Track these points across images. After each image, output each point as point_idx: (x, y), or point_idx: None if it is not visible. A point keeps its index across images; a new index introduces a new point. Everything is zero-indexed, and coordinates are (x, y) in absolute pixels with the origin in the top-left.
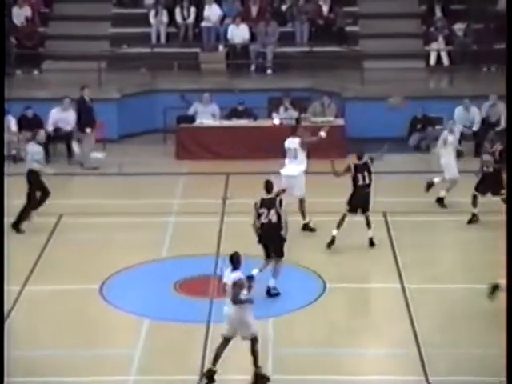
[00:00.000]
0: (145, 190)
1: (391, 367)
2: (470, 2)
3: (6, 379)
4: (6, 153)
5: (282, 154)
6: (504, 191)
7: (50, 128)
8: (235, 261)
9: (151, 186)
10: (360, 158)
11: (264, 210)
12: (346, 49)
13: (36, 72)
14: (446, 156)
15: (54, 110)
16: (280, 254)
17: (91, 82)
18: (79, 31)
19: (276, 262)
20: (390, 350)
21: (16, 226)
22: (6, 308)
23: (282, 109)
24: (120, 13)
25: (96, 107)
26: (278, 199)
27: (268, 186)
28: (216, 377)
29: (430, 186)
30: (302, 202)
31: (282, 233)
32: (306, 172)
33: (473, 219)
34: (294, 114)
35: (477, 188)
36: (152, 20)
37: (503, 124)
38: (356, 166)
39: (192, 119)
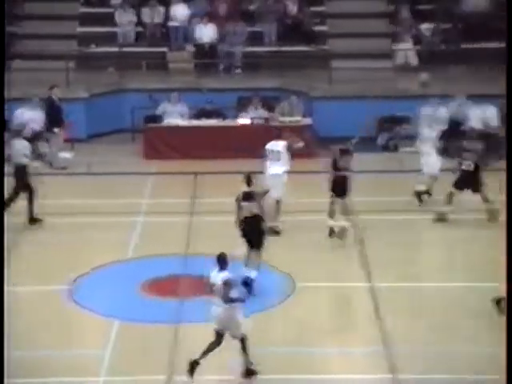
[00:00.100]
0: (113, 190)
1: (362, 366)
2: (437, 2)
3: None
4: None
5: (251, 153)
6: (483, 188)
7: (16, 128)
8: (222, 261)
9: (119, 185)
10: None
11: (245, 203)
12: (314, 48)
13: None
14: (425, 153)
15: (18, 110)
16: (260, 246)
17: (59, 81)
18: (47, 30)
19: (256, 254)
20: (360, 348)
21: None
22: None
23: (250, 108)
24: (88, 12)
25: (64, 107)
26: (259, 192)
27: (249, 179)
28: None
29: (419, 195)
30: (278, 203)
31: (264, 225)
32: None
33: (442, 217)
34: (263, 113)
35: (455, 185)
36: (119, 19)
37: (471, 123)
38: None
39: (160, 119)
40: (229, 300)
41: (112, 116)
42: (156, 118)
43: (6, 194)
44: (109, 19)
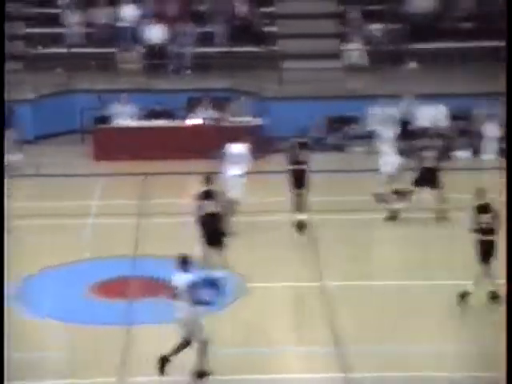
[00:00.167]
0: (62, 192)
1: (313, 365)
2: (386, 3)
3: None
4: None
5: (202, 154)
6: (442, 185)
7: None
8: (185, 262)
9: (69, 187)
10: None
11: (204, 202)
12: (264, 49)
13: None
14: (384, 152)
15: None
16: (220, 246)
17: (6, 82)
18: None
19: (216, 254)
20: (312, 347)
21: None
22: None
23: (201, 109)
24: (35, 12)
25: (11, 108)
26: (218, 191)
27: (208, 179)
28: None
29: (378, 197)
30: (234, 204)
31: (223, 225)
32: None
33: (393, 215)
34: (214, 114)
35: (416, 183)
36: (67, 20)
37: (420, 123)
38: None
39: (110, 120)
40: (197, 302)
41: (61, 117)
42: (105, 119)
43: None
44: (57, 20)
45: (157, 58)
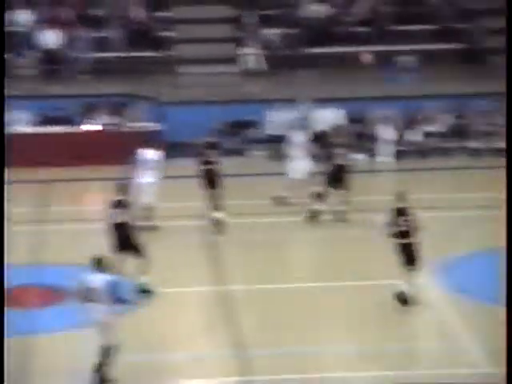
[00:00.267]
0: None
1: (215, 369)
2: (282, 8)
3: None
4: None
5: (101, 160)
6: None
7: None
8: (101, 264)
9: None
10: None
11: (115, 211)
12: (161, 54)
13: None
14: (294, 156)
15: None
16: (132, 252)
17: None
18: None
19: (129, 261)
20: (214, 351)
21: None
22: None
23: (98, 115)
24: None
25: None
26: (130, 201)
27: (119, 188)
28: None
29: (278, 200)
30: (149, 209)
31: (133, 233)
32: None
33: (315, 216)
34: (111, 119)
35: (329, 184)
36: None
37: (318, 127)
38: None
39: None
40: (118, 301)
41: None
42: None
43: None
44: None
45: (53, 64)
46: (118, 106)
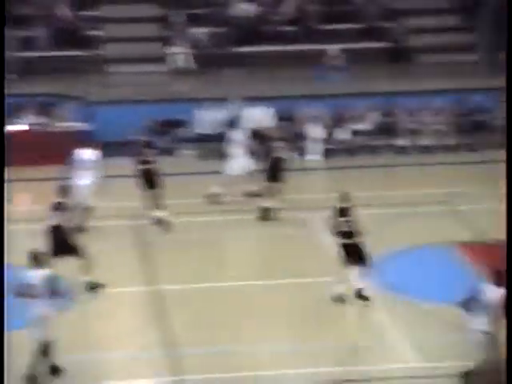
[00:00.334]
0: None
1: (147, 369)
2: (210, 7)
3: None
4: None
5: (29, 160)
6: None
7: None
8: (38, 259)
9: None
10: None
11: (54, 213)
12: (89, 53)
13: None
14: (233, 154)
15: None
16: (70, 255)
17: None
18: None
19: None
20: (148, 351)
21: None
22: None
23: (26, 115)
24: None
25: None
26: (68, 203)
27: (60, 190)
28: None
29: (212, 197)
30: (87, 210)
31: (71, 235)
32: None
33: (266, 213)
34: (40, 119)
35: (267, 179)
36: None
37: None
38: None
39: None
40: (55, 295)
41: None
42: None
43: None
44: None
45: None
46: (45, 106)
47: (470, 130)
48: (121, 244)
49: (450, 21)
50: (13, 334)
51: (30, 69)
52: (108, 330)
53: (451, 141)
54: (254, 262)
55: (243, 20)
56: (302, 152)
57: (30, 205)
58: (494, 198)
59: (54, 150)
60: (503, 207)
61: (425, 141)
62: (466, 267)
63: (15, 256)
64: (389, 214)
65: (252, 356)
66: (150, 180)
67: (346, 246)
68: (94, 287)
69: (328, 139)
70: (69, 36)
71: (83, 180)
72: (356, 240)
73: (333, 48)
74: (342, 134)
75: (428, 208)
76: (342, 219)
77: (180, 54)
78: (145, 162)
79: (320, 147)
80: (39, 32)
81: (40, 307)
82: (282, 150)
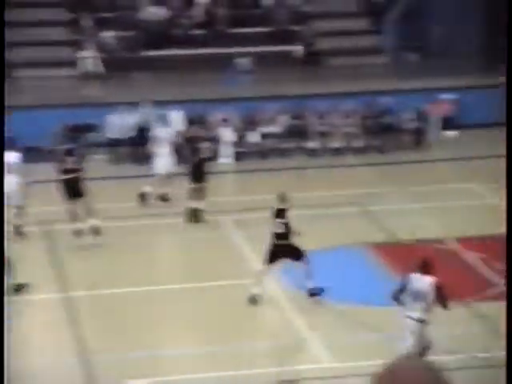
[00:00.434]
0: None
1: (61, 377)
2: (118, 11)
3: None
4: None
5: None
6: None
7: None
8: None
9: None
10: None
11: None
12: None
13: None
14: (158, 154)
15: None
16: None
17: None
18: None
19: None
20: (62, 358)
21: None
22: None
23: None
24: None
25: None
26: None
27: None
28: None
29: (143, 196)
30: (20, 209)
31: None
32: None
33: (197, 215)
34: None
35: (191, 179)
36: None
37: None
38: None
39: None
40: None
41: None
42: None
43: None
44: None
45: None
46: None
47: (378, 132)
48: (48, 249)
49: (358, 24)
50: None
51: None
52: (25, 338)
53: (360, 143)
54: (174, 265)
55: (152, 24)
56: (213, 156)
57: None
58: (404, 198)
59: None
60: (414, 206)
61: (335, 143)
62: (380, 268)
63: None
64: (302, 216)
65: (164, 360)
66: (71, 189)
67: (279, 247)
68: (18, 289)
69: (239, 142)
70: None
71: (6, 184)
72: (287, 242)
73: (242, 51)
74: (253, 137)
75: (340, 209)
76: (279, 220)
77: (89, 58)
78: (67, 171)
79: (231, 150)
80: None
81: None
82: (206, 151)
